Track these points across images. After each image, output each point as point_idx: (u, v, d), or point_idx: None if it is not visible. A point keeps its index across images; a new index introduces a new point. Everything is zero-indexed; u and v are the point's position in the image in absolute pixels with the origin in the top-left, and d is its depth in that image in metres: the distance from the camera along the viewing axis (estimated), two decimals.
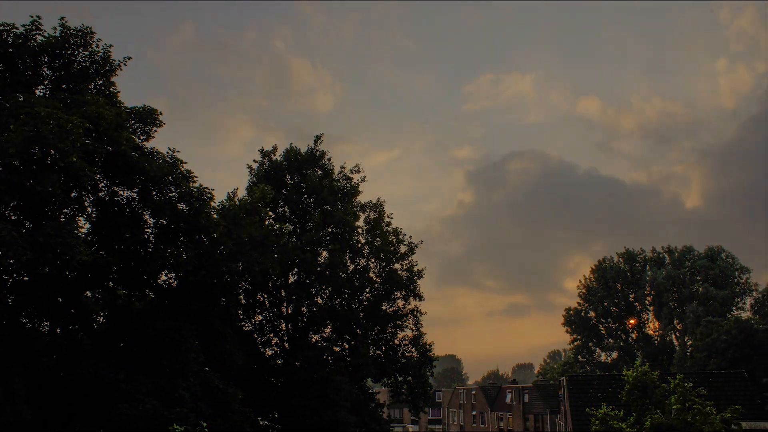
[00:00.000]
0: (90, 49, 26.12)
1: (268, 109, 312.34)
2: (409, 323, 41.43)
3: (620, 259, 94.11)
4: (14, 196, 22.79)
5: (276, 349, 39.69)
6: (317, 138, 42.02)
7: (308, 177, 40.83)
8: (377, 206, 42.52)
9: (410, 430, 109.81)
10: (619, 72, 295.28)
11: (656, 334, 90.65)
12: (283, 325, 39.87)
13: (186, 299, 27.93)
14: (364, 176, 42.42)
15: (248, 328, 38.71)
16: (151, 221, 27.91)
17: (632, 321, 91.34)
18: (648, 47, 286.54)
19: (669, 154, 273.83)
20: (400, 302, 41.60)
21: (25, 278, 24.13)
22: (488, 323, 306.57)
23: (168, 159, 27.48)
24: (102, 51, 26.45)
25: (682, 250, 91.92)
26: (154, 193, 27.11)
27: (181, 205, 27.56)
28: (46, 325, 25.71)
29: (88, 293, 27.38)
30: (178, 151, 27.73)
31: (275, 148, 42.14)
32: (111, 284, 27.68)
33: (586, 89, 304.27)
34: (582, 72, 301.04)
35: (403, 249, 41.84)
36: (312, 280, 39.39)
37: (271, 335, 39.70)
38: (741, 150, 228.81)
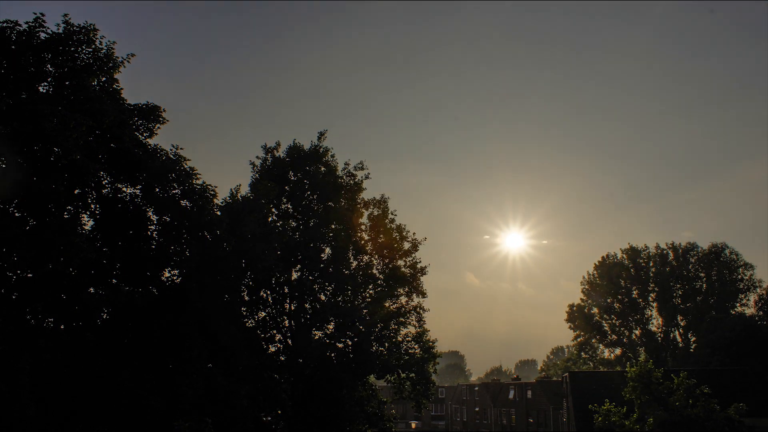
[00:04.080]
0: (93, 46, 26.07)
1: None
2: (412, 320, 41.41)
3: (624, 255, 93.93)
4: (18, 193, 22.84)
5: (279, 345, 39.74)
6: (321, 134, 41.99)
7: (311, 173, 40.79)
8: (381, 202, 42.42)
9: (413, 426, 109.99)
10: None
11: (660, 330, 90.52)
12: (286, 321, 39.90)
13: (189, 296, 27.95)
14: (368, 173, 42.36)
15: (251, 325, 38.75)
16: (154, 218, 27.94)
17: None
18: None
19: None
20: (403, 299, 41.59)
21: (29, 275, 24.19)
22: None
23: (171, 156, 27.50)
24: (105, 48, 26.41)
25: (686, 246, 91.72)
26: (157, 190, 27.14)
27: (185, 202, 27.58)
28: (50, 321, 25.76)
29: (92, 290, 27.43)
30: (181, 148, 27.79)
31: (278, 144, 42.17)
32: (114, 281, 27.72)
33: None
34: None
35: (406, 246, 41.78)
36: (315, 276, 39.40)
37: (274, 332, 39.74)
38: None
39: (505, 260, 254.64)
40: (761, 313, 77.74)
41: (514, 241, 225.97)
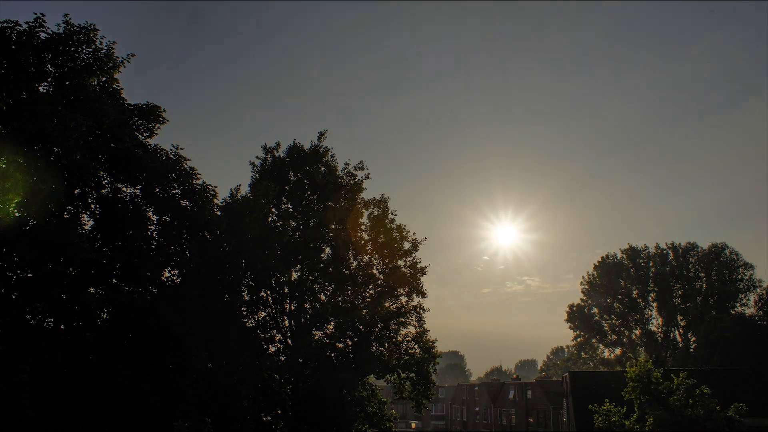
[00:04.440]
0: (93, 46, 26.08)
1: None
2: (412, 320, 41.37)
3: (624, 255, 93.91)
4: (18, 193, 22.85)
5: (279, 345, 39.71)
6: (321, 134, 41.97)
7: (311, 173, 40.77)
8: (381, 202, 42.38)
9: (413, 426, 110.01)
10: None
11: (660, 330, 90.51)
12: (286, 321, 39.87)
13: (189, 296, 27.97)
14: (368, 173, 42.31)
15: (251, 325, 38.71)
16: (154, 218, 27.96)
17: None
18: None
19: None
20: (403, 299, 41.54)
21: (29, 275, 24.20)
22: None
23: (171, 156, 27.52)
24: (105, 48, 26.42)
25: (686, 246, 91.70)
26: (157, 190, 27.16)
27: (185, 202, 27.60)
28: (50, 321, 25.77)
29: (92, 290, 27.45)
30: (181, 148, 27.83)
31: (278, 144, 42.17)
32: (114, 281, 27.75)
33: None
34: None
35: (406, 246, 41.75)
36: (315, 276, 39.38)
37: (274, 332, 39.72)
38: None
39: (504, 258, 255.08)
40: (761, 313, 77.69)
41: (508, 236, 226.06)
